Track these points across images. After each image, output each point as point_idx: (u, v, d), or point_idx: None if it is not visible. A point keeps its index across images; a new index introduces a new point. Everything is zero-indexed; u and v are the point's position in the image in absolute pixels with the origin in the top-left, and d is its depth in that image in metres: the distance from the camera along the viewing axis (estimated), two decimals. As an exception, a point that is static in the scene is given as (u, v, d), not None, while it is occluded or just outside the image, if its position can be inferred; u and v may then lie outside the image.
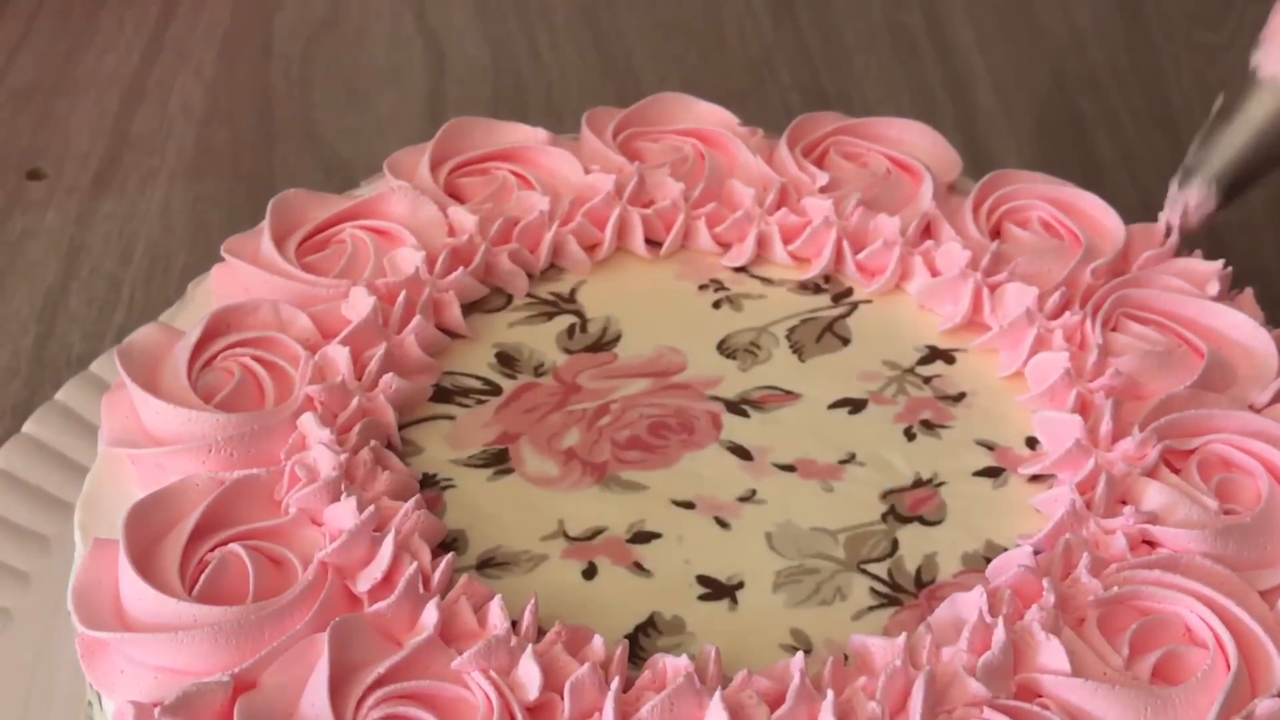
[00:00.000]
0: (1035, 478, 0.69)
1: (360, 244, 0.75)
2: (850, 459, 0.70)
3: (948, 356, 0.75)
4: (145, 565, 0.60)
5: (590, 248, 0.78)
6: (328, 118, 1.13)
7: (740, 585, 0.64)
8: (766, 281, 0.78)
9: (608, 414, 0.71)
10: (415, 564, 0.60)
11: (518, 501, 0.67)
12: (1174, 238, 0.79)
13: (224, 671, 0.56)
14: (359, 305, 0.71)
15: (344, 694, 0.56)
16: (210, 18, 1.22)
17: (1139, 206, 1.06)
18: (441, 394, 0.72)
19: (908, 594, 0.64)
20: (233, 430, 0.65)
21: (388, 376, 0.69)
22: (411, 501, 0.63)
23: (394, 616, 0.59)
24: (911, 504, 0.68)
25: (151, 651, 0.58)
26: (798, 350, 0.75)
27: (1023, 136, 1.13)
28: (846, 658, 0.60)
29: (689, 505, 0.68)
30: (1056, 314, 0.73)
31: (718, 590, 0.64)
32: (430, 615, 0.58)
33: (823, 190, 0.79)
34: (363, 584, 0.60)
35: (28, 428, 0.83)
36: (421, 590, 0.60)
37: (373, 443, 0.66)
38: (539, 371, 0.73)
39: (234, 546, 0.61)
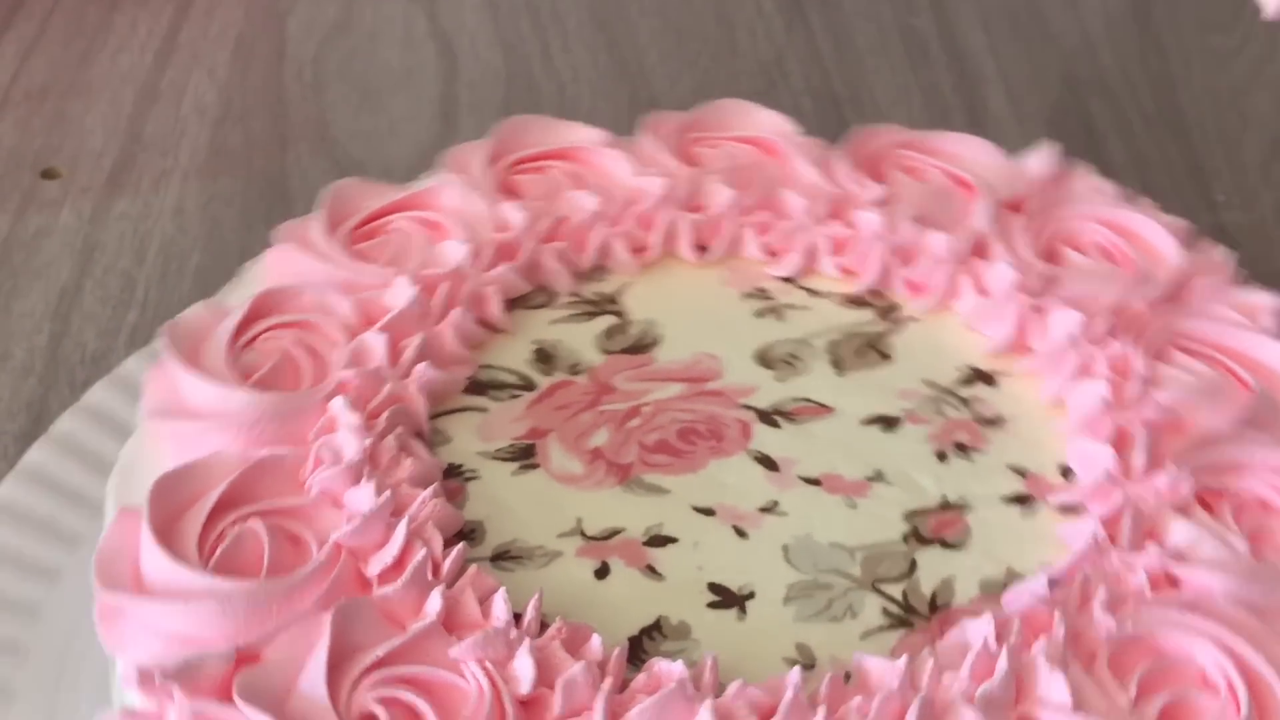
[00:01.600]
0: (1067, 507, 0.68)
1: (409, 234, 0.76)
2: (878, 477, 0.69)
3: (989, 379, 0.74)
4: (166, 534, 0.61)
5: (639, 250, 0.79)
6: (340, 119, 1.14)
7: (751, 595, 0.64)
8: (813, 293, 0.78)
9: (638, 416, 0.72)
10: (425, 551, 0.60)
11: (539, 496, 0.68)
12: None
13: (228, 643, 0.57)
14: (400, 294, 0.72)
15: (342, 674, 0.56)
16: (223, 19, 1.22)
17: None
18: (476, 386, 0.73)
19: (920, 616, 0.63)
20: (264, 409, 0.66)
21: (422, 365, 0.69)
22: (430, 489, 0.64)
23: (400, 601, 0.59)
24: (935, 526, 0.67)
25: (162, 617, 0.59)
26: (837, 364, 0.74)
27: (1034, 140, 1.13)
28: (848, 676, 0.60)
29: (709, 512, 0.67)
30: (1102, 341, 0.72)
31: (727, 599, 0.64)
32: (434, 603, 0.59)
33: (877, 204, 0.79)
34: (373, 567, 0.61)
35: (57, 427, 0.84)
36: (430, 578, 0.60)
37: (399, 430, 0.66)
38: (575, 370, 0.74)
39: (253, 523, 0.62)
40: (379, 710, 0.55)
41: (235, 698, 0.55)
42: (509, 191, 0.79)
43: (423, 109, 1.15)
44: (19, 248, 1.01)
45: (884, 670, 0.59)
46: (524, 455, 0.70)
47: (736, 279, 0.79)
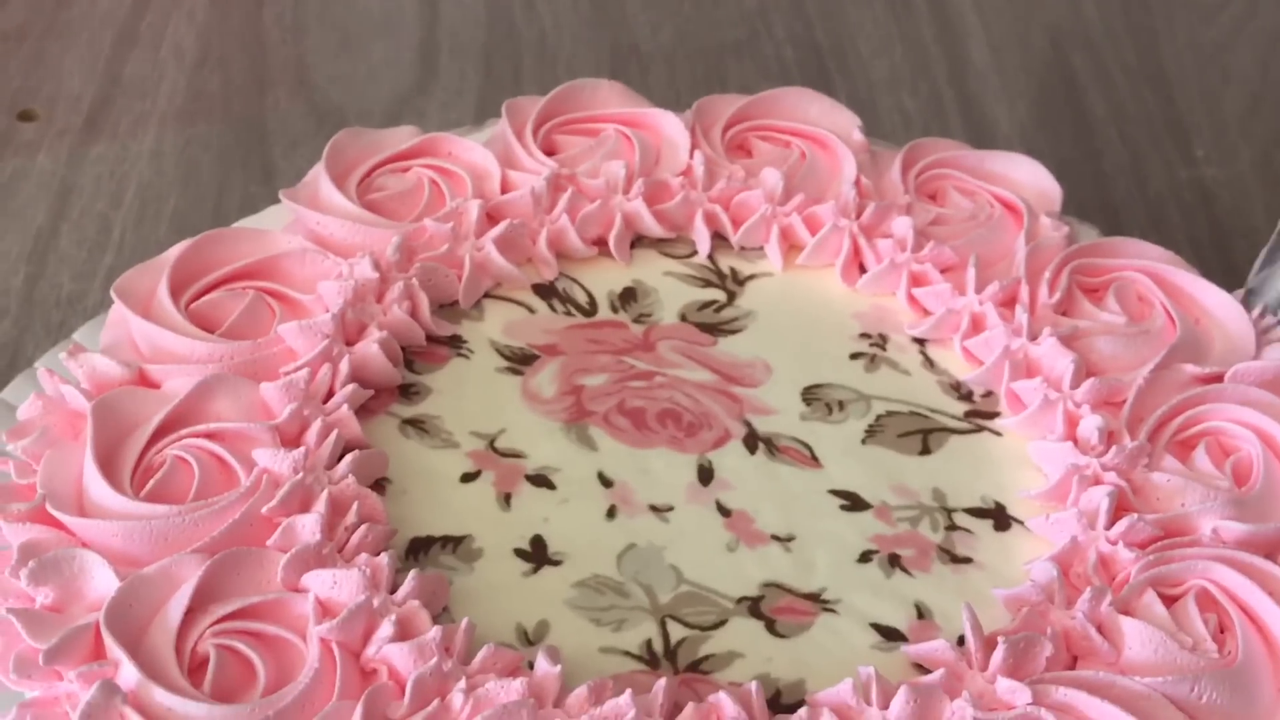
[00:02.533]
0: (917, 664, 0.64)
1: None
2: (787, 538, 0.67)
3: (1004, 522, 0.69)
4: (107, 441, 0.64)
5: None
6: (320, 64, 1.14)
7: (558, 564, 0.65)
8: (927, 362, 0.75)
9: (646, 381, 0.73)
10: (313, 533, 0.61)
11: (495, 396, 0.71)
12: None
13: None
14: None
15: (200, 617, 0.58)
16: (204, -38, 1.22)
17: (1128, 164, 1.08)
18: (545, 290, 0.76)
19: (649, 664, 0.62)
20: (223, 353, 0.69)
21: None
22: (346, 461, 0.65)
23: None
24: (778, 608, 0.65)
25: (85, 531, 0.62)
26: (872, 433, 0.72)
27: (1015, 93, 1.14)
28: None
29: (608, 484, 0.68)
30: (1105, 444, 0.69)
31: (537, 556, 0.65)
32: (316, 579, 0.60)
33: (928, 228, 0.79)
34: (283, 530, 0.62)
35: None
36: (323, 551, 0.61)
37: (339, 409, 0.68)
38: (640, 319, 0.75)
39: (183, 448, 0.64)
40: (213, 654, 0.57)
41: (100, 623, 0.57)
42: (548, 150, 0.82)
43: (403, 54, 1.15)
44: (-5, 189, 1.02)
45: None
46: (521, 361, 0.72)
47: (870, 319, 0.77)
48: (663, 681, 0.59)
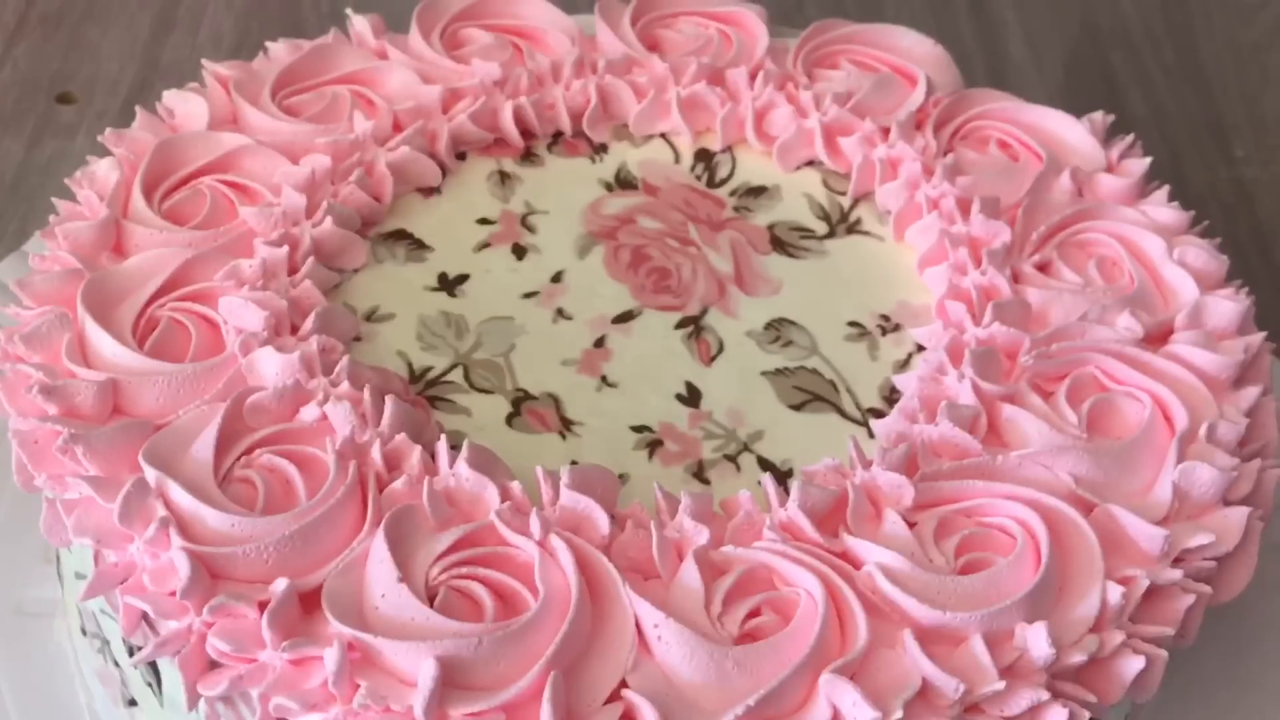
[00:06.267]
0: None
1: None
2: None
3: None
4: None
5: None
6: (356, 52, 1.15)
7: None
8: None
9: (679, 243, 0.77)
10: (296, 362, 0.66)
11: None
12: None
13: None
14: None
15: (229, 446, 0.63)
16: (241, -52, 1.24)
17: (1168, 163, 1.07)
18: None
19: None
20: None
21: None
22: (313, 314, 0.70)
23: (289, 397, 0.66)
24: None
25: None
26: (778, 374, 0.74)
27: (1053, 90, 1.14)
28: None
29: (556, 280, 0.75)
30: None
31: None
32: (311, 412, 0.65)
33: (818, 96, 0.83)
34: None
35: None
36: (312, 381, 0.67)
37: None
38: (740, 209, 0.79)
39: (180, 308, 0.69)
40: (254, 476, 0.62)
41: (139, 458, 0.62)
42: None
43: (439, 45, 1.15)
44: (35, 171, 1.05)
45: None
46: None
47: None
48: None
